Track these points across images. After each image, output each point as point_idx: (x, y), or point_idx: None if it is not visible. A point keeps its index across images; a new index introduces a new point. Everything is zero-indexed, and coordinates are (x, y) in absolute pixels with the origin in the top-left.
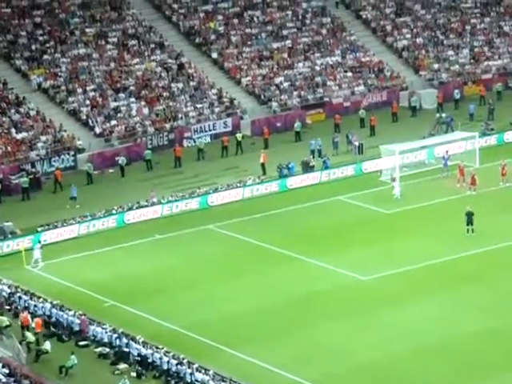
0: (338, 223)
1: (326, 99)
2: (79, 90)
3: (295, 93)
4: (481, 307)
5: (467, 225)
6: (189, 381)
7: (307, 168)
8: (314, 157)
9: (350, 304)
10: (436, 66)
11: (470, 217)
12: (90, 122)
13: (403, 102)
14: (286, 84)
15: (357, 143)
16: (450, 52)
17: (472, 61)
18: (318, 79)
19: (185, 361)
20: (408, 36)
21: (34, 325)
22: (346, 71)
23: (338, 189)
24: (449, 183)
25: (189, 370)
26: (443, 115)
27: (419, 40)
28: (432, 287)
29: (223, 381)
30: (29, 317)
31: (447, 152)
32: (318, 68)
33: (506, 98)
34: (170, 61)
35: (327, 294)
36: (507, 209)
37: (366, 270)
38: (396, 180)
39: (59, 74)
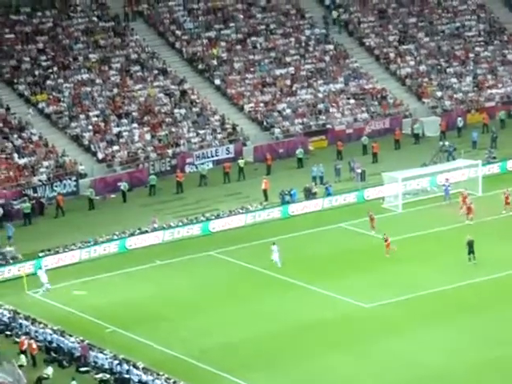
0: (341, 250)
1: (329, 126)
2: (82, 116)
3: (298, 120)
4: (483, 337)
5: (468, 254)
6: None
7: (309, 195)
8: (316, 183)
9: (352, 332)
10: (439, 93)
11: (471, 245)
12: (92, 147)
13: (406, 129)
14: (288, 110)
15: (359, 170)
16: (454, 80)
17: (475, 89)
18: (321, 106)
19: None
20: (411, 63)
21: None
22: (348, 98)
23: (341, 216)
24: (451, 211)
25: None
26: (446, 143)
27: (422, 68)
28: (434, 316)
29: None
30: (26, 341)
31: (447, 180)
32: (320, 95)
33: (509, 126)
34: (172, 87)
35: (329, 321)
36: (509, 237)
37: (368, 297)
38: (275, 245)
39: (62, 99)
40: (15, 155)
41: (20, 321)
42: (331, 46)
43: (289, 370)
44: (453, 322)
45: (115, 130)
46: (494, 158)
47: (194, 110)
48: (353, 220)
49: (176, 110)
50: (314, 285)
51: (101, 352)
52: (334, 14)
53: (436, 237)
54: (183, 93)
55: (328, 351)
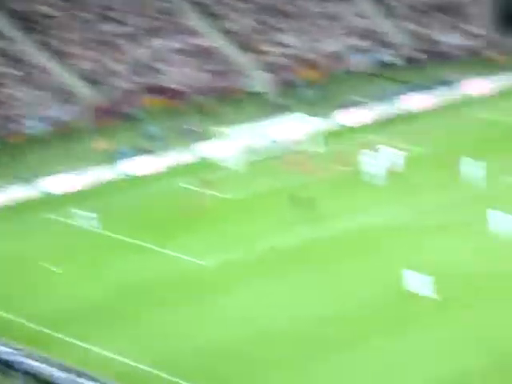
0: (182, 209)
1: (166, 85)
2: None
3: (134, 77)
4: (322, 292)
5: (300, 209)
6: None
7: (145, 153)
8: (152, 141)
9: (192, 289)
10: (273, 49)
11: (303, 201)
12: None
13: (242, 86)
14: (123, 68)
15: (197, 128)
16: (285, 35)
17: (307, 44)
18: (158, 64)
19: None
20: (244, 20)
21: None
22: (182, 56)
23: (180, 174)
24: (288, 167)
25: None
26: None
27: (254, 24)
28: (274, 271)
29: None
30: None
31: (281, 135)
32: (155, 53)
33: (341, 81)
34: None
35: (168, 280)
36: (348, 192)
37: (207, 255)
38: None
39: None
40: None
41: None
42: (166, 4)
43: (124, 330)
44: (293, 276)
45: None
46: (326, 112)
47: (26, 69)
48: (189, 178)
49: (4, 69)
50: (152, 244)
51: None
52: None
53: (273, 193)
54: (12, 52)
55: (167, 310)
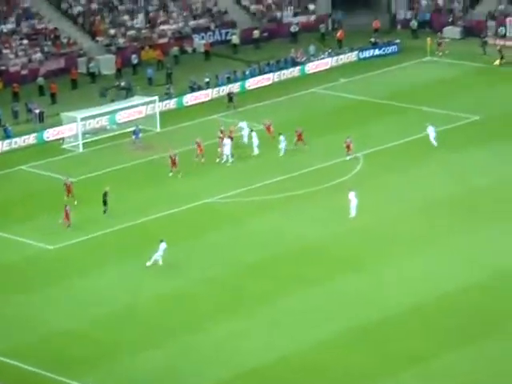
0: (24, 193)
1: (3, 68)
2: None
3: None
4: (163, 270)
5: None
6: None
7: None
8: None
9: (39, 273)
10: (112, 31)
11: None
12: None
13: (82, 68)
14: None
15: (37, 111)
16: (126, 17)
17: (148, 25)
18: None
19: None
20: (83, 2)
21: None
22: (22, 39)
23: (21, 158)
24: (131, 149)
25: None
26: (122, 83)
27: (94, 6)
28: (116, 252)
29: None
30: None
31: (123, 117)
32: None
33: (182, 61)
34: None
35: (15, 265)
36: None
37: (53, 239)
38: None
39: None
40: None
41: None
42: None
43: None
44: (133, 258)
45: None
46: (168, 93)
47: None
48: (34, 162)
49: None
50: None
51: None
52: None
53: (116, 175)
54: None
55: (14, 295)
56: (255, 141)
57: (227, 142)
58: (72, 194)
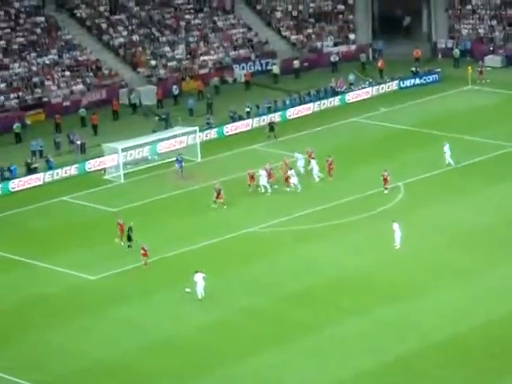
0: (65, 224)
1: (45, 99)
2: None
3: (13, 94)
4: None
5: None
6: None
7: (30, 169)
8: (35, 158)
9: (80, 304)
10: (153, 62)
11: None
12: None
13: (123, 99)
14: (2, 85)
15: (79, 142)
16: (167, 48)
17: (188, 56)
18: (36, 79)
19: None
20: (124, 33)
21: None
22: (63, 70)
23: (63, 189)
24: (173, 179)
25: None
26: (163, 116)
27: (135, 37)
28: (158, 283)
29: None
30: None
31: (165, 147)
32: (34, 68)
33: (223, 91)
34: None
35: (57, 295)
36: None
37: (94, 269)
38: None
39: None
40: None
41: None
42: (42, 19)
43: (15, 347)
44: (176, 288)
45: None
46: (208, 123)
47: None
48: (76, 193)
49: None
50: (39, 260)
51: None
52: None
53: (159, 204)
54: None
55: (57, 325)
56: (315, 168)
57: (263, 173)
58: (124, 233)
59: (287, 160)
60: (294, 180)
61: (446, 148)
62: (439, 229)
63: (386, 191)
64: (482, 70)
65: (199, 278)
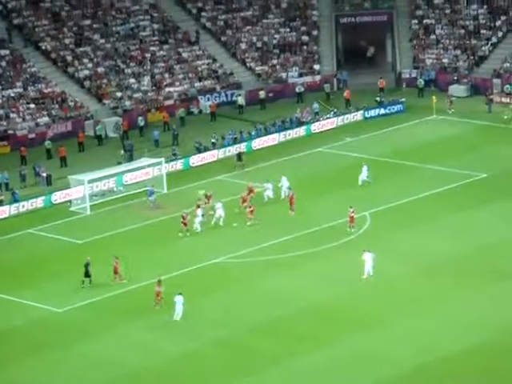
0: (31, 256)
1: (11, 131)
2: None
3: None
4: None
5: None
6: None
7: None
8: (1, 190)
9: (47, 337)
10: (119, 94)
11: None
12: None
13: (89, 131)
14: None
15: (44, 174)
16: (132, 80)
17: (154, 88)
18: (1, 112)
19: None
20: (89, 65)
21: None
22: (28, 103)
23: (29, 222)
24: (139, 210)
25: None
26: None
27: (100, 69)
28: (126, 315)
29: None
30: None
31: (130, 179)
32: (0, 101)
33: (188, 123)
34: None
35: (22, 329)
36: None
37: (61, 301)
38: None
39: None
40: None
41: None
42: (7, 51)
43: None
44: (144, 319)
45: None
46: (174, 154)
47: None
48: (42, 225)
49: None
50: (5, 293)
51: None
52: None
53: (126, 236)
54: None
55: (21, 360)
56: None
57: (219, 205)
58: (119, 274)
59: (250, 184)
60: (268, 192)
61: (365, 169)
62: (405, 258)
63: (352, 230)
64: (451, 100)
65: (179, 300)
